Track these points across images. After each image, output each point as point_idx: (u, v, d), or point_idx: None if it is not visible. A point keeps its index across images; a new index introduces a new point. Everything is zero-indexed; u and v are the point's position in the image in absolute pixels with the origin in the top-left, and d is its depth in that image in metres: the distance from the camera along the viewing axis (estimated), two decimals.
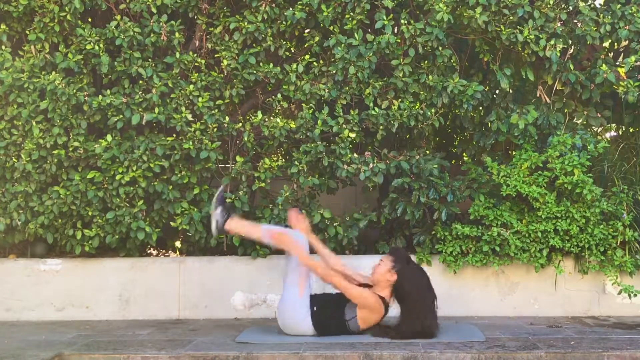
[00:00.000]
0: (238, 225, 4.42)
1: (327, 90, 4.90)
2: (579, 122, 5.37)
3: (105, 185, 4.88)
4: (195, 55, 4.98)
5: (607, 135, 5.91)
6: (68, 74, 4.96)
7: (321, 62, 5.03)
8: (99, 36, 4.86)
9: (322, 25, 4.91)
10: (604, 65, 5.05)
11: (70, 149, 4.88)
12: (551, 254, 4.89)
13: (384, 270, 4.23)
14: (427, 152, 5.21)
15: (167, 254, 5.72)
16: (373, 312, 4.21)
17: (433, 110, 4.97)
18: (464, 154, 5.62)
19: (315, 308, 4.25)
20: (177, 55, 4.91)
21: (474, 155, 5.45)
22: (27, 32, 4.97)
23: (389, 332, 4.21)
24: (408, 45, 4.90)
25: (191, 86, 4.88)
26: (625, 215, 4.86)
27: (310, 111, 4.90)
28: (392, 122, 4.88)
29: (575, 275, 4.97)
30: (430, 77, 4.92)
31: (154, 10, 4.91)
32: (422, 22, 4.84)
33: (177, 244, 5.55)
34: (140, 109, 4.85)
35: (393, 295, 4.25)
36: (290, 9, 4.91)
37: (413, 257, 5.00)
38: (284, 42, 5.04)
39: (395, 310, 4.29)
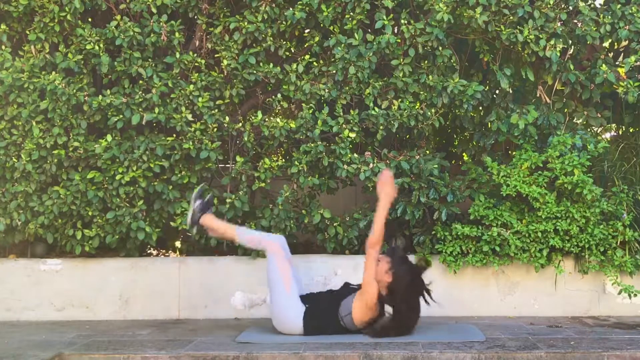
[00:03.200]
0: (213, 222, 4.47)
1: (327, 90, 4.90)
2: (579, 122, 5.37)
3: (105, 185, 4.88)
4: (195, 55, 4.98)
5: (607, 135, 5.91)
6: (68, 74, 4.96)
7: (321, 62, 5.03)
8: (99, 36, 4.86)
9: (322, 25, 4.92)
10: (604, 65, 5.06)
11: (70, 149, 4.88)
12: (551, 254, 4.89)
13: (382, 271, 4.23)
14: (427, 152, 5.21)
15: (167, 254, 5.72)
16: (368, 307, 4.20)
17: (433, 110, 4.97)
18: (464, 154, 5.62)
19: (307, 305, 4.26)
20: (177, 55, 4.91)
21: (474, 155, 5.45)
22: (27, 32, 4.97)
23: (376, 330, 4.21)
24: (408, 45, 4.90)
25: (191, 86, 4.88)
26: (625, 215, 4.86)
27: (310, 111, 4.90)
28: (392, 122, 4.89)
29: (575, 275, 4.97)
30: (430, 77, 4.92)
31: (154, 10, 4.90)
32: (422, 22, 4.84)
33: (177, 244, 5.55)
34: (140, 109, 4.85)
35: (387, 295, 4.24)
36: (290, 9, 4.91)
37: (412, 257, 5.02)
38: (284, 42, 5.04)
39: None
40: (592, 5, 5.08)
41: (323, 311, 4.26)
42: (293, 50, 5.13)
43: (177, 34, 4.93)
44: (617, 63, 5.39)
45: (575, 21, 5.08)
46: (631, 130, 5.62)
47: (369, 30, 5.08)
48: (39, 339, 4.35)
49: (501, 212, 4.86)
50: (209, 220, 4.47)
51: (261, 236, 4.47)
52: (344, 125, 4.88)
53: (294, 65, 4.95)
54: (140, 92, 4.87)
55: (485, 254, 4.86)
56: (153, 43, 4.91)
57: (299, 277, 4.48)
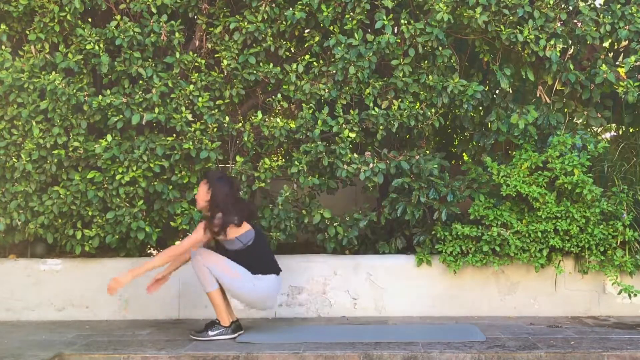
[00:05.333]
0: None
1: (327, 90, 4.90)
2: (579, 122, 5.37)
3: (105, 185, 4.88)
4: (195, 55, 4.98)
5: (607, 135, 5.91)
6: (68, 74, 4.96)
7: (321, 62, 5.03)
8: (99, 36, 4.86)
9: (322, 25, 4.91)
10: (604, 65, 5.05)
11: (70, 149, 4.88)
12: (551, 254, 4.89)
13: (203, 194, 4.32)
14: (427, 152, 5.21)
15: None
16: (207, 236, 4.28)
17: (433, 110, 4.97)
18: (464, 154, 5.62)
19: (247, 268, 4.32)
20: (177, 55, 4.91)
21: (474, 155, 5.45)
22: (27, 32, 4.97)
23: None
24: (408, 45, 4.90)
25: (191, 86, 4.88)
26: (625, 215, 4.85)
27: (310, 111, 4.90)
28: (392, 122, 4.89)
29: (575, 275, 4.97)
30: (430, 77, 4.92)
31: (154, 10, 4.90)
32: (422, 22, 4.84)
33: (177, 244, 5.54)
34: (140, 109, 4.85)
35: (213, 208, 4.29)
36: (290, 9, 4.91)
37: (412, 257, 5.03)
38: (284, 42, 5.04)
39: None
40: (592, 5, 5.08)
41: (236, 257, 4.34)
42: (293, 50, 5.13)
43: (177, 34, 4.93)
44: (617, 63, 5.39)
45: (575, 21, 5.08)
46: (631, 130, 5.62)
47: (369, 30, 5.08)
48: (39, 339, 4.35)
49: (501, 212, 4.86)
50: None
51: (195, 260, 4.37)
52: (344, 125, 4.88)
53: (294, 65, 4.95)
54: (140, 92, 4.87)
55: (485, 254, 4.86)
56: (153, 43, 4.91)
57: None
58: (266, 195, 5.23)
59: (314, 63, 4.98)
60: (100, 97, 4.82)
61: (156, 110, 4.84)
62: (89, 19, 5.14)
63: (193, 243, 4.31)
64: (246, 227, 4.31)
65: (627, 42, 5.26)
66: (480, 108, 5.42)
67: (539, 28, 4.90)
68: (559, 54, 4.92)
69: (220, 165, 5.16)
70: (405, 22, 4.84)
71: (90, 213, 4.90)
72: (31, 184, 4.94)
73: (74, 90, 4.81)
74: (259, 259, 4.34)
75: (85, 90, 4.89)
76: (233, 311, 4.48)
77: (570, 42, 5.09)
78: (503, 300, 4.99)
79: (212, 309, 4.90)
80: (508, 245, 4.81)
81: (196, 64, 4.97)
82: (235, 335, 4.37)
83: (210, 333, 4.34)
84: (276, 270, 4.40)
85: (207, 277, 4.27)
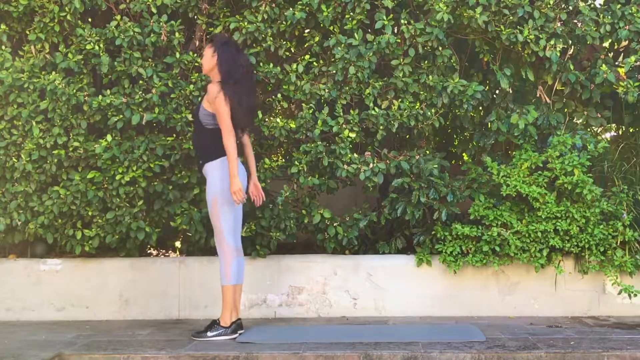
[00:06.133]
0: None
1: (327, 90, 4.90)
2: (579, 122, 5.37)
3: (105, 185, 4.88)
4: (195, 55, 4.98)
5: (607, 135, 5.91)
6: (68, 74, 4.96)
7: (321, 62, 5.03)
8: (99, 36, 4.86)
9: (322, 25, 4.91)
10: (604, 65, 5.05)
11: (70, 149, 4.88)
12: (551, 254, 4.89)
13: (209, 57, 4.35)
14: (427, 152, 5.21)
15: (167, 254, 5.72)
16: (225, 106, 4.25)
17: (433, 110, 4.97)
18: (464, 154, 5.62)
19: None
20: (177, 55, 4.91)
21: (474, 155, 5.45)
22: (27, 32, 4.97)
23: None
24: (408, 45, 4.90)
25: (191, 86, 4.88)
26: (625, 215, 4.86)
27: (310, 111, 4.90)
28: (392, 122, 4.89)
29: (575, 275, 4.97)
30: (430, 77, 4.92)
31: (154, 10, 4.90)
32: (422, 22, 4.84)
33: (177, 244, 5.55)
34: (140, 109, 4.85)
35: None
36: (290, 9, 4.91)
37: (412, 257, 5.03)
38: (284, 42, 5.04)
39: None
40: (592, 5, 5.08)
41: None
42: (293, 50, 5.12)
43: (177, 34, 4.93)
44: (617, 63, 5.39)
45: (575, 21, 5.08)
46: (631, 130, 5.62)
47: (369, 30, 5.08)
48: (39, 339, 4.35)
49: (501, 212, 4.86)
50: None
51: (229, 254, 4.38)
52: (344, 125, 4.88)
53: (294, 65, 4.95)
54: (140, 92, 4.87)
55: (485, 254, 4.86)
56: (153, 43, 4.91)
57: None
58: (266, 195, 5.22)
59: (314, 63, 4.98)
60: (100, 97, 4.82)
61: (156, 110, 4.84)
62: (89, 19, 5.14)
63: (228, 119, 4.24)
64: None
65: (627, 42, 5.25)
66: (480, 108, 5.42)
67: (539, 28, 4.90)
68: (559, 54, 4.92)
69: None
70: (405, 22, 4.84)
71: (90, 213, 4.90)
72: (31, 184, 4.94)
73: (74, 90, 4.81)
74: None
75: (85, 90, 4.89)
76: (239, 308, 4.47)
77: (570, 42, 5.08)
78: (503, 300, 4.99)
79: (212, 309, 4.92)
80: (508, 245, 4.81)
81: (196, 64, 4.97)
82: (235, 335, 4.36)
83: (209, 334, 4.34)
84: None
85: (229, 270, 4.29)
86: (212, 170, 4.33)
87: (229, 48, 4.41)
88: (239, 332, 4.40)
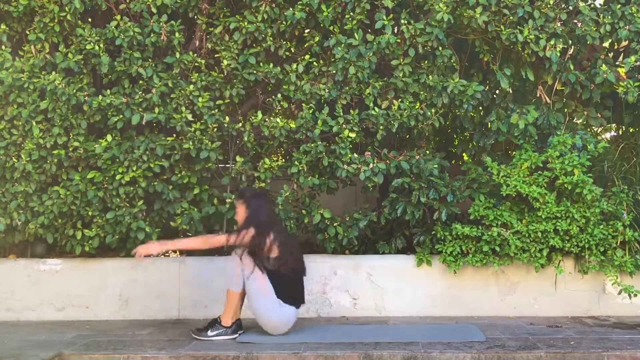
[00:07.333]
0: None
1: (327, 90, 4.90)
2: (579, 122, 5.37)
3: (105, 185, 4.88)
4: (195, 55, 4.98)
5: (607, 135, 5.91)
6: (68, 74, 4.96)
7: (321, 62, 5.03)
8: (99, 36, 4.86)
9: (322, 25, 4.91)
10: (604, 65, 5.06)
11: (70, 149, 4.88)
12: (551, 254, 4.89)
13: (242, 213, 4.38)
14: (427, 152, 5.21)
15: (167, 254, 5.72)
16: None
17: (433, 110, 4.97)
18: (464, 154, 5.62)
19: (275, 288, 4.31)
20: (177, 55, 4.91)
21: (474, 155, 5.45)
22: (27, 32, 4.97)
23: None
24: (408, 45, 4.90)
25: (191, 86, 4.88)
26: (625, 215, 4.85)
27: (310, 111, 4.90)
28: (392, 122, 4.88)
29: (575, 275, 4.97)
30: (430, 77, 4.92)
31: (154, 10, 4.90)
32: (422, 22, 4.84)
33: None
34: (140, 109, 4.85)
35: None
36: (290, 9, 4.91)
37: (412, 257, 5.03)
38: (284, 42, 5.04)
39: None
40: (592, 5, 5.08)
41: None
42: (293, 50, 5.12)
43: (177, 34, 4.93)
44: (617, 63, 5.40)
45: (575, 21, 5.08)
46: (631, 130, 5.62)
47: (369, 30, 5.08)
48: (39, 339, 4.35)
49: (501, 212, 4.86)
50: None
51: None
52: (344, 125, 4.88)
53: (294, 65, 4.95)
54: (140, 92, 4.87)
55: (485, 254, 4.86)
56: (153, 43, 4.91)
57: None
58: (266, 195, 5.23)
59: (314, 63, 4.98)
60: (100, 97, 4.82)
61: (156, 110, 4.84)
62: (89, 19, 5.13)
63: (225, 244, 4.37)
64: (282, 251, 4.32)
65: (627, 42, 5.26)
66: (480, 108, 5.42)
67: (539, 28, 4.90)
68: (559, 54, 4.92)
69: (220, 166, 5.16)
70: (405, 22, 4.84)
71: (90, 213, 4.90)
72: (31, 184, 4.94)
73: (74, 90, 4.81)
74: (288, 285, 4.33)
75: (85, 90, 4.89)
76: (240, 310, 4.46)
77: (570, 42, 5.09)
78: (503, 300, 4.99)
79: (212, 309, 4.92)
80: (508, 245, 4.81)
81: (196, 64, 4.97)
82: (236, 335, 4.36)
83: (209, 333, 4.34)
84: (298, 303, 4.38)
85: (238, 279, 4.29)
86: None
87: (259, 200, 4.44)
88: (239, 332, 4.40)
